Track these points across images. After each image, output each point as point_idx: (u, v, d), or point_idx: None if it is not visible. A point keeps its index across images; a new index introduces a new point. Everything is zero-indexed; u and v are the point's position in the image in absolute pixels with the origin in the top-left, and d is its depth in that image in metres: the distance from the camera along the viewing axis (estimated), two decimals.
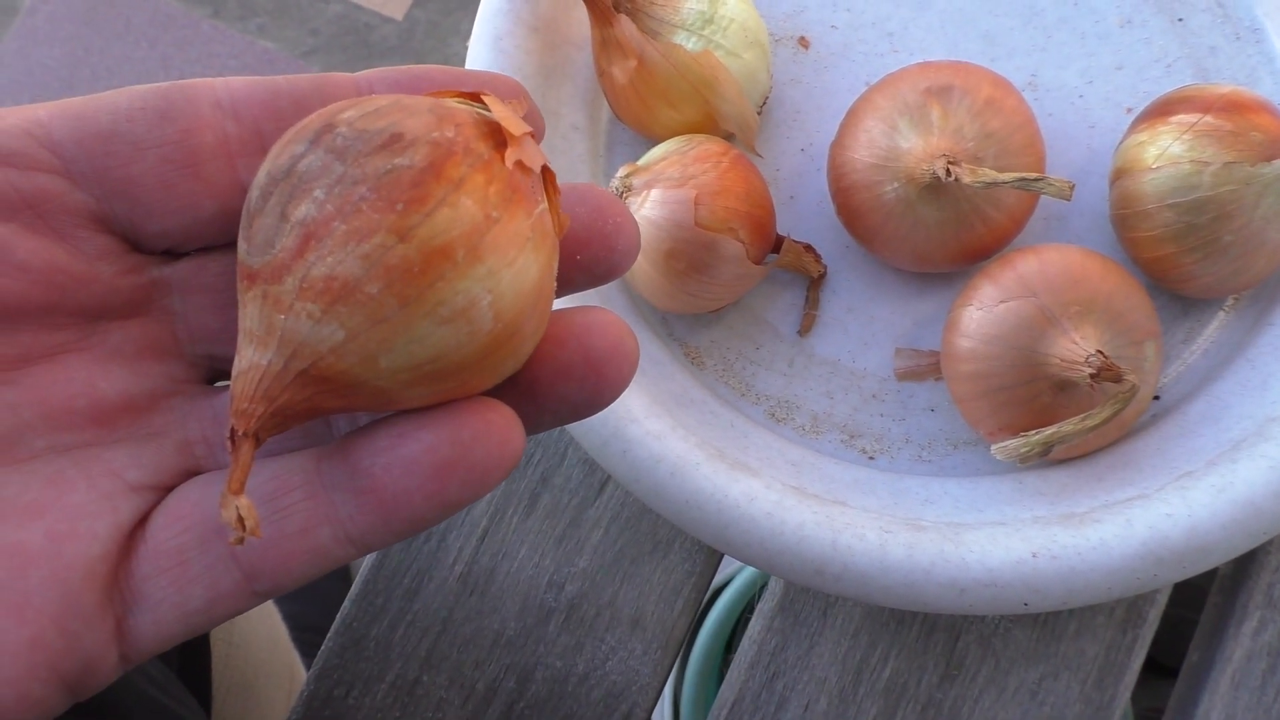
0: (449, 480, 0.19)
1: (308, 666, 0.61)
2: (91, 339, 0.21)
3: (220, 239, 0.22)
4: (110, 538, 0.20)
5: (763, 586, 0.57)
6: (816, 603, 0.37)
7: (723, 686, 0.37)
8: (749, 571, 0.59)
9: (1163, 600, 0.35)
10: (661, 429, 0.34)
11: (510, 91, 0.22)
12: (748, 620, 0.57)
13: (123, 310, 0.22)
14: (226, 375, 0.23)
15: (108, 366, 0.21)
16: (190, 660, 0.47)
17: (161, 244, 0.22)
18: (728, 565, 0.59)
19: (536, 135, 0.22)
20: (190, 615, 0.20)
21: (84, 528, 0.20)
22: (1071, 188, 0.30)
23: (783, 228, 0.39)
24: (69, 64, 1.16)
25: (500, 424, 0.20)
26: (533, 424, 0.21)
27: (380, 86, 0.21)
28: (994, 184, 0.31)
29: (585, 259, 0.21)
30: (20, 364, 0.21)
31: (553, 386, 0.21)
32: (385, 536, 0.20)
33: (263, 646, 0.55)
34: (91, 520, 0.20)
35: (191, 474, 0.22)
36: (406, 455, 0.20)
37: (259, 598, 0.20)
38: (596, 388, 0.21)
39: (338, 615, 0.39)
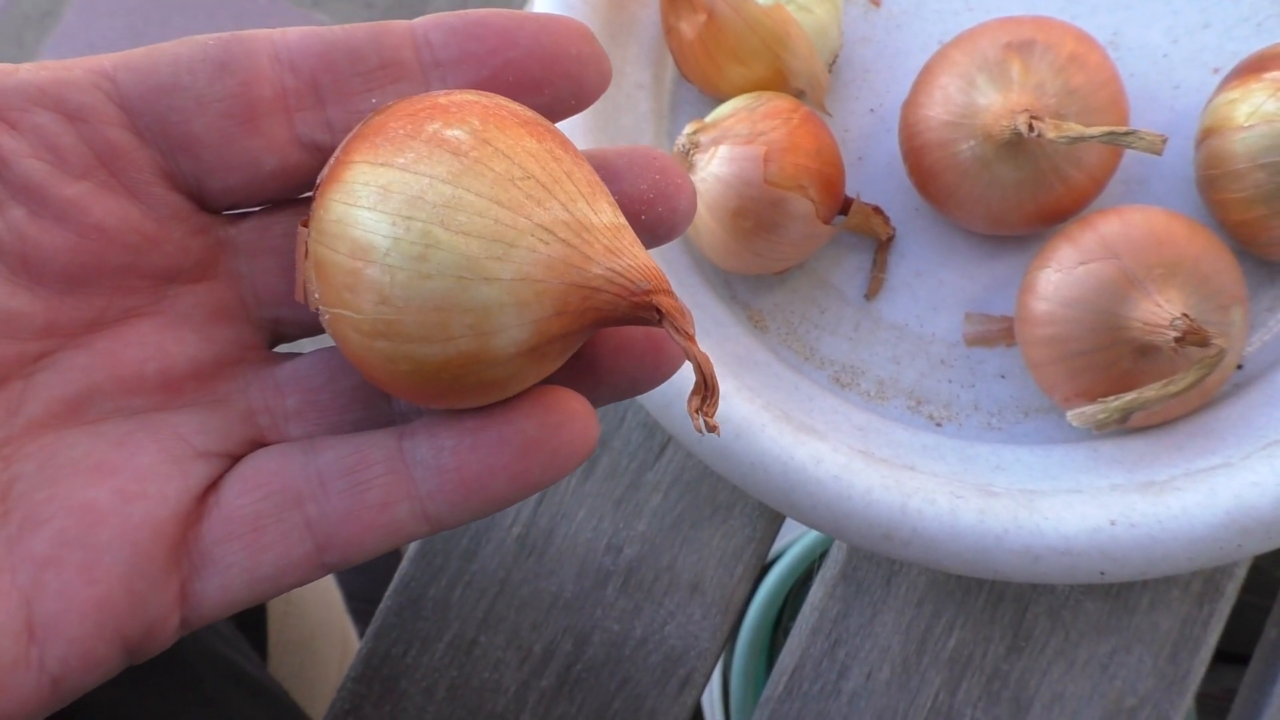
0: (533, 462, 0.20)
1: (359, 634, 0.62)
2: (162, 303, 0.21)
3: (281, 195, 0.22)
4: (179, 500, 0.20)
5: (815, 562, 0.57)
6: (880, 570, 0.36)
7: (783, 653, 0.36)
8: (798, 547, 0.58)
9: (1241, 574, 0.34)
10: (726, 390, 0.33)
11: (576, 35, 0.21)
12: (796, 597, 0.57)
13: (193, 272, 0.21)
14: (289, 338, 0.23)
15: (179, 331, 0.21)
16: (249, 615, 0.48)
17: (225, 201, 0.21)
18: (779, 539, 0.58)
19: (603, 80, 0.21)
20: (259, 582, 0.20)
21: (153, 489, 0.20)
22: (1164, 141, 0.29)
23: (851, 189, 0.38)
24: (129, 36, 1.17)
25: (582, 412, 0.20)
26: (592, 400, 0.21)
27: (438, 35, 0.21)
28: (1079, 139, 0.30)
29: (650, 219, 0.21)
30: (94, 328, 0.21)
31: (614, 362, 0.21)
32: (461, 514, 0.20)
33: (318, 607, 0.55)
34: (161, 482, 0.20)
35: (255, 443, 0.22)
36: (495, 436, 0.20)
37: (325, 569, 0.21)
38: (656, 362, 0.21)
39: (395, 575, 0.39)
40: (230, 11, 1.17)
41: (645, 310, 0.19)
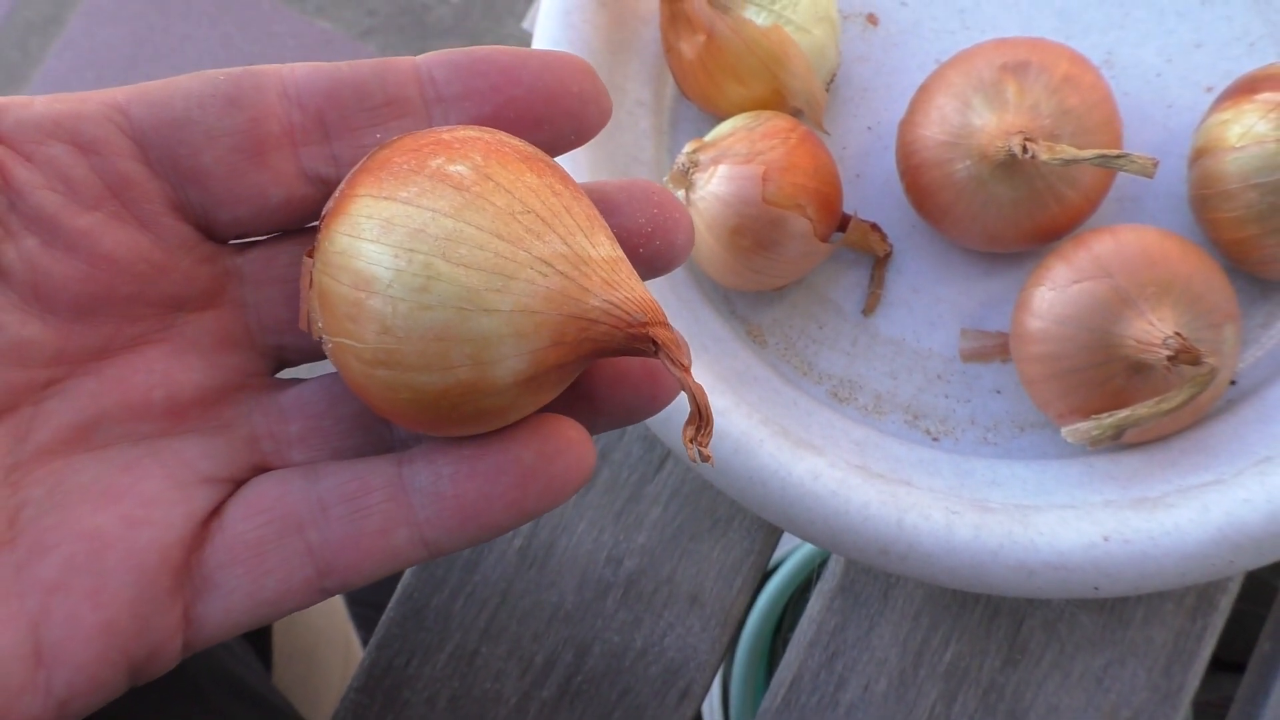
0: (530, 490, 0.20)
1: (362, 640, 0.62)
2: (169, 330, 0.22)
3: (287, 226, 0.22)
4: (184, 526, 0.20)
5: (815, 570, 0.57)
6: (877, 583, 0.37)
7: (780, 665, 0.37)
8: (798, 556, 0.58)
9: (1235, 588, 0.35)
10: (725, 405, 0.34)
11: (578, 72, 0.21)
12: (796, 605, 0.57)
13: (199, 301, 0.22)
14: (292, 363, 0.23)
15: (185, 359, 0.22)
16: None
17: (233, 232, 0.22)
18: (777, 549, 0.58)
19: (604, 117, 0.22)
20: (260, 605, 0.20)
21: (159, 515, 0.20)
22: (1155, 164, 0.29)
23: (849, 207, 0.38)
24: (133, 42, 1.18)
25: (579, 440, 0.21)
26: (589, 428, 0.22)
27: (442, 72, 0.21)
28: (1072, 161, 0.30)
29: (648, 253, 0.22)
30: (102, 355, 0.21)
31: (611, 392, 0.22)
32: (459, 540, 0.21)
33: (322, 615, 0.56)
34: (166, 508, 0.20)
35: (259, 468, 0.22)
36: (493, 463, 0.20)
37: (325, 594, 0.21)
38: (652, 393, 0.22)
39: (398, 586, 0.39)
40: (234, 19, 1.17)
41: (642, 342, 0.19)
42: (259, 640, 0.48)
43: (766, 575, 0.59)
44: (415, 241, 0.19)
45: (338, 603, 0.61)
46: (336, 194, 0.20)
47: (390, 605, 0.39)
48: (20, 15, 1.21)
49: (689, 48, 0.36)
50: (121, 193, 0.21)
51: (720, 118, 0.37)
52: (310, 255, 0.21)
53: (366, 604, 0.68)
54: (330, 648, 0.55)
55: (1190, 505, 0.31)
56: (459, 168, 0.19)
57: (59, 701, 0.19)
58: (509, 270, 0.19)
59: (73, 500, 0.20)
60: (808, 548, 0.57)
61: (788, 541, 0.58)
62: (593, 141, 0.37)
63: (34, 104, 0.20)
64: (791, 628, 0.56)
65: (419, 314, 0.19)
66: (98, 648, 0.19)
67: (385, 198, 0.19)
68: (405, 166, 0.19)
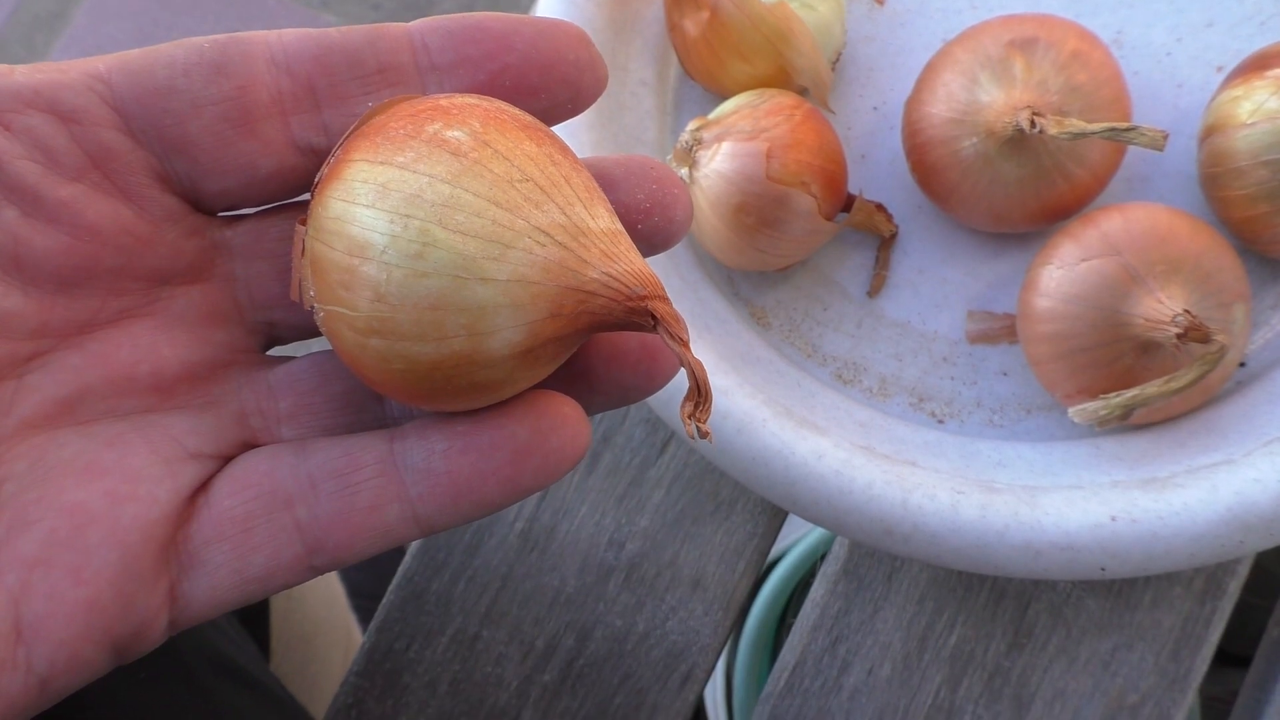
0: (524, 467, 0.20)
1: (363, 631, 0.62)
2: (156, 304, 0.21)
3: (277, 197, 0.22)
4: (170, 502, 0.20)
5: (820, 558, 0.57)
6: (881, 567, 0.36)
7: (784, 650, 0.37)
8: (804, 544, 0.58)
9: (1244, 572, 0.34)
10: (728, 385, 0.33)
11: (574, 39, 0.21)
12: (802, 594, 0.57)
13: (186, 274, 0.21)
14: (283, 341, 0.23)
15: (172, 333, 0.21)
16: (252, 611, 0.48)
17: (221, 203, 0.21)
18: (783, 538, 0.58)
19: (600, 85, 0.21)
20: (247, 583, 0.20)
21: (144, 491, 0.20)
22: (1165, 137, 0.29)
23: (854, 187, 0.38)
24: (137, 38, 1.18)
25: (574, 417, 0.20)
26: (586, 408, 0.21)
27: (435, 39, 0.21)
28: (1081, 135, 0.30)
29: (646, 229, 0.21)
30: (86, 329, 0.21)
31: (608, 370, 0.21)
32: (451, 518, 0.20)
33: (321, 604, 0.55)
34: (152, 484, 0.20)
35: (247, 445, 0.22)
36: (487, 439, 0.20)
37: (315, 571, 0.20)
38: (650, 372, 0.21)
39: (398, 569, 0.39)
40: (238, 14, 1.17)
41: (640, 315, 0.19)
42: (257, 627, 0.48)
43: (771, 565, 0.58)
44: (411, 207, 0.18)
45: (338, 592, 0.61)
46: (331, 158, 0.20)
47: (390, 589, 0.39)
48: (26, 10, 1.22)
49: (693, 25, 0.36)
50: (104, 163, 0.20)
51: (724, 97, 0.37)
52: (303, 223, 0.20)
53: (369, 595, 0.68)
54: (330, 638, 0.55)
55: (1199, 485, 0.30)
56: (457, 133, 0.19)
57: (40, 679, 0.19)
58: (506, 239, 0.18)
59: (56, 475, 0.20)
60: (811, 538, 0.57)
61: (791, 532, 0.57)
62: (595, 122, 0.37)
63: (13, 73, 0.20)
64: (796, 618, 0.56)
65: (414, 281, 0.18)
66: (79, 625, 0.19)
67: (381, 162, 0.19)
68: (402, 131, 0.19)
